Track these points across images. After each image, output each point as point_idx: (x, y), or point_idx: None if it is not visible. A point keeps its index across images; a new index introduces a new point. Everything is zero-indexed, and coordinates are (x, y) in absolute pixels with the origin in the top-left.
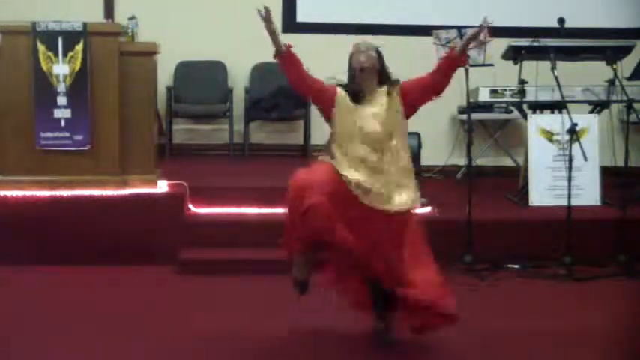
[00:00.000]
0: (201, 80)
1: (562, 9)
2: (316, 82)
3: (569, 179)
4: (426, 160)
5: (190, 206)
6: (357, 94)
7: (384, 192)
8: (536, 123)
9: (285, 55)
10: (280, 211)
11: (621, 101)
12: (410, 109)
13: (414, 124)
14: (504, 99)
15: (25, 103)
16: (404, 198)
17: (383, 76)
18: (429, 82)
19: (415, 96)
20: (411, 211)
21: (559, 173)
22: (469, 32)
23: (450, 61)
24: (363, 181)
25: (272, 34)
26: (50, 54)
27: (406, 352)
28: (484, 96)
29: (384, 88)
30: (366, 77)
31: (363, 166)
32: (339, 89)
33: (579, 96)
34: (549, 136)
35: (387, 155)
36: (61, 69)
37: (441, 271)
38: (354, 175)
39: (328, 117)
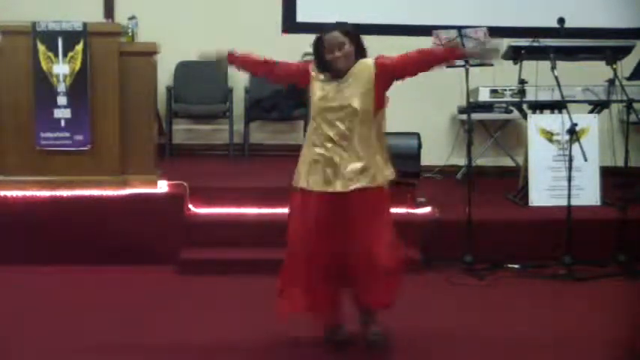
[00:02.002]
0: (201, 80)
1: (562, 9)
2: (283, 69)
3: (569, 179)
4: (426, 160)
5: (190, 206)
6: (331, 73)
7: (340, 168)
8: (536, 123)
9: (235, 61)
10: (280, 211)
11: (621, 101)
12: (382, 84)
13: (414, 124)
14: (504, 99)
15: (25, 103)
16: (354, 170)
17: (358, 56)
18: (409, 59)
19: (389, 70)
20: (376, 189)
21: (559, 173)
22: (470, 46)
23: (444, 54)
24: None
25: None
26: (50, 54)
27: (404, 354)
28: (484, 96)
29: (359, 66)
30: (342, 67)
31: (329, 144)
32: (311, 68)
33: (579, 96)
34: (549, 136)
35: (354, 133)
36: (61, 69)
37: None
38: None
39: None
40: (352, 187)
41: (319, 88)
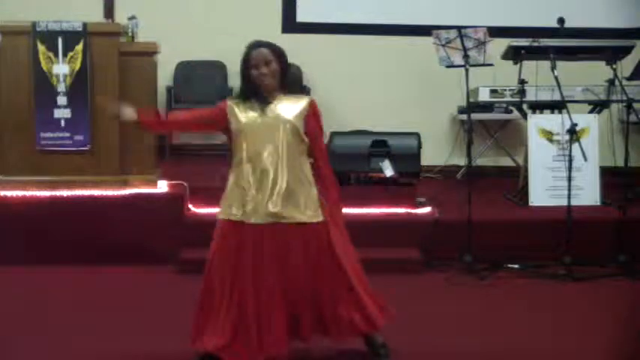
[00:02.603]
0: (201, 80)
1: (562, 9)
2: (194, 114)
3: (569, 179)
4: (426, 160)
5: (190, 206)
6: (259, 99)
7: (267, 202)
8: (536, 123)
9: (149, 123)
10: None
11: (621, 101)
12: (309, 126)
13: (414, 124)
14: (504, 99)
15: (25, 103)
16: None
17: (284, 81)
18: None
19: (310, 132)
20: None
21: (559, 173)
22: None
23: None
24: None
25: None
26: (50, 54)
27: (404, 355)
28: (484, 96)
29: (291, 98)
30: (267, 84)
31: (255, 177)
32: (229, 103)
33: (579, 96)
34: (549, 136)
35: (282, 163)
36: (61, 69)
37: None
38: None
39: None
40: (285, 219)
41: (243, 115)
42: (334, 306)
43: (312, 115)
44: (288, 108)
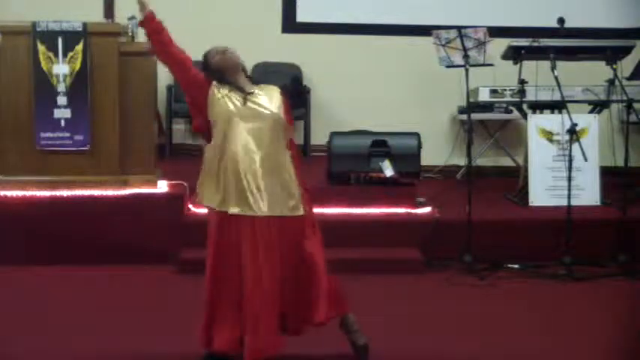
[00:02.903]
0: None
1: (562, 9)
2: (184, 59)
3: (569, 179)
4: (426, 160)
5: (190, 206)
6: (238, 89)
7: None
8: (536, 123)
9: (149, 21)
10: None
11: (621, 101)
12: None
13: (414, 124)
14: (504, 99)
15: (25, 103)
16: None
17: (247, 72)
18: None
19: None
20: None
21: (559, 173)
22: None
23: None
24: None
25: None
26: (50, 54)
27: (403, 355)
28: (484, 96)
29: (267, 87)
30: (237, 75)
31: (238, 167)
32: (213, 83)
33: (579, 96)
34: (549, 136)
35: (266, 157)
36: (61, 69)
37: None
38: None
39: (200, 111)
40: (275, 212)
41: (229, 102)
42: (304, 302)
43: (286, 106)
44: (269, 100)
